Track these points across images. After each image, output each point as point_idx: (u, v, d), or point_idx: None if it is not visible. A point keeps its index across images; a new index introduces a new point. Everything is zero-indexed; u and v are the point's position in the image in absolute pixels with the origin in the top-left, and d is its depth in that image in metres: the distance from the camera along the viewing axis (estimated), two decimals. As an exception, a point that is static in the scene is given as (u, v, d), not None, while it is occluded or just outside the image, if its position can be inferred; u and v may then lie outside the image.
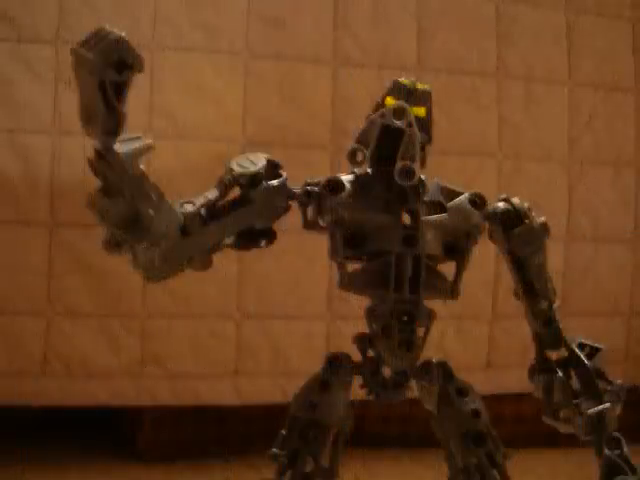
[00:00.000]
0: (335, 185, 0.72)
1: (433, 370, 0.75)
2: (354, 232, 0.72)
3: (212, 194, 0.70)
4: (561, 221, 1.64)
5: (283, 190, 0.72)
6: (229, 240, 0.72)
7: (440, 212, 0.74)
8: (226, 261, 1.39)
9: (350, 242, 0.72)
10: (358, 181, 0.73)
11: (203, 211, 0.69)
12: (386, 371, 0.74)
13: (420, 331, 0.73)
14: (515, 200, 0.77)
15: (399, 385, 0.74)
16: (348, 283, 0.72)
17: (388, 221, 0.72)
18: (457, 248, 0.75)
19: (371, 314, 0.73)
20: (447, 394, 0.75)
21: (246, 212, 0.71)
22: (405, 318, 0.72)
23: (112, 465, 1.47)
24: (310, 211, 0.73)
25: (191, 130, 1.45)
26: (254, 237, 0.73)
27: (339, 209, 0.72)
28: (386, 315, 0.72)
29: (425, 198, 0.74)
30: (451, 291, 0.74)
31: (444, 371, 0.75)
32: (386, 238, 0.72)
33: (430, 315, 0.73)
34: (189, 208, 0.68)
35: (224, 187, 0.70)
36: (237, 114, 1.48)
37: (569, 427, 0.77)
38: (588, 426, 0.75)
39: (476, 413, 0.74)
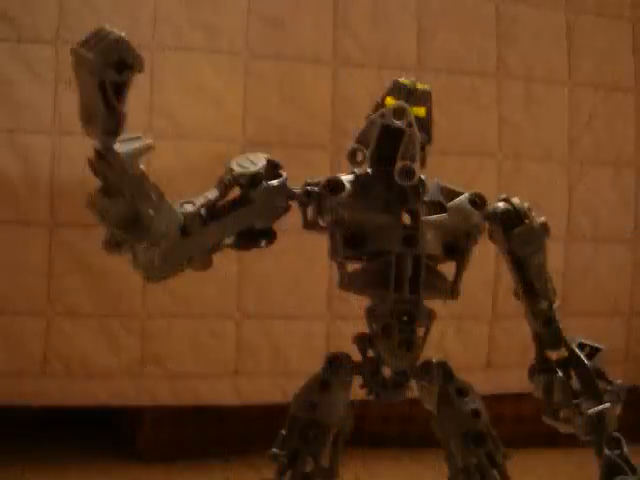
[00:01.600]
0: (335, 185, 0.72)
1: (433, 370, 0.75)
2: (354, 232, 0.72)
3: (212, 194, 0.70)
4: (561, 221, 1.64)
5: (283, 190, 0.72)
6: (229, 240, 0.72)
7: (440, 212, 0.74)
8: (226, 261, 1.39)
9: (350, 242, 0.72)
10: (358, 181, 0.73)
11: (203, 211, 0.69)
12: (386, 371, 0.74)
13: (420, 331, 0.73)
14: (515, 200, 0.77)
15: (399, 385, 0.74)
16: (348, 283, 0.72)
17: (388, 221, 0.72)
18: (457, 248, 0.75)
19: (371, 314, 0.73)
20: (447, 394, 0.75)
21: (246, 212, 0.71)
22: (405, 318, 0.72)
23: (112, 465, 1.47)
24: (310, 211, 0.73)
25: (191, 130, 1.45)
26: (254, 237, 0.73)
27: (339, 209, 0.72)
28: (386, 315, 0.72)
29: (425, 198, 0.74)
30: (451, 291, 0.74)
31: (444, 371, 0.75)
32: (386, 238, 0.72)
33: (430, 315, 0.73)
34: (189, 208, 0.68)
35: (224, 187, 0.70)
36: (237, 114, 1.48)
37: (569, 427, 0.77)
38: (588, 426, 0.75)
39: (476, 413, 0.74)
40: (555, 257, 1.57)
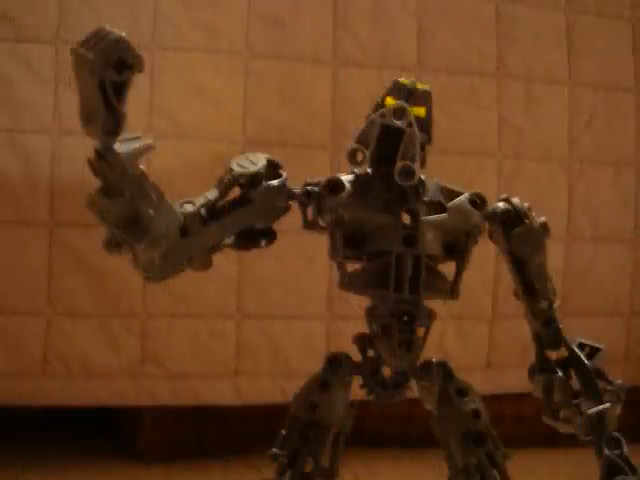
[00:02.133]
0: (335, 185, 0.72)
1: (433, 370, 0.75)
2: (354, 232, 0.72)
3: (212, 194, 0.70)
4: (561, 221, 1.64)
5: (283, 190, 0.72)
6: (229, 240, 0.72)
7: (440, 212, 0.74)
8: (226, 261, 1.39)
9: (350, 242, 0.72)
10: (358, 181, 0.73)
11: (203, 211, 0.69)
12: (386, 371, 0.74)
13: (420, 331, 0.73)
14: (515, 200, 0.76)
15: (399, 385, 0.74)
16: (348, 283, 0.72)
17: (388, 221, 0.72)
18: (457, 248, 0.74)
19: (371, 314, 0.73)
20: (447, 394, 0.75)
21: (246, 212, 0.71)
22: (405, 318, 0.72)
23: (112, 465, 1.47)
24: (310, 211, 0.73)
25: (191, 130, 1.45)
26: (254, 237, 0.73)
27: (339, 209, 0.72)
28: (386, 315, 0.72)
29: (425, 198, 0.74)
30: (451, 291, 0.74)
31: (444, 371, 0.75)
32: (386, 238, 0.72)
33: (430, 315, 0.73)
34: (189, 208, 0.68)
35: (224, 187, 0.70)
36: (237, 114, 1.48)
37: (569, 427, 0.77)
38: (588, 426, 0.75)
39: (476, 413, 0.74)
40: (555, 257, 1.57)
